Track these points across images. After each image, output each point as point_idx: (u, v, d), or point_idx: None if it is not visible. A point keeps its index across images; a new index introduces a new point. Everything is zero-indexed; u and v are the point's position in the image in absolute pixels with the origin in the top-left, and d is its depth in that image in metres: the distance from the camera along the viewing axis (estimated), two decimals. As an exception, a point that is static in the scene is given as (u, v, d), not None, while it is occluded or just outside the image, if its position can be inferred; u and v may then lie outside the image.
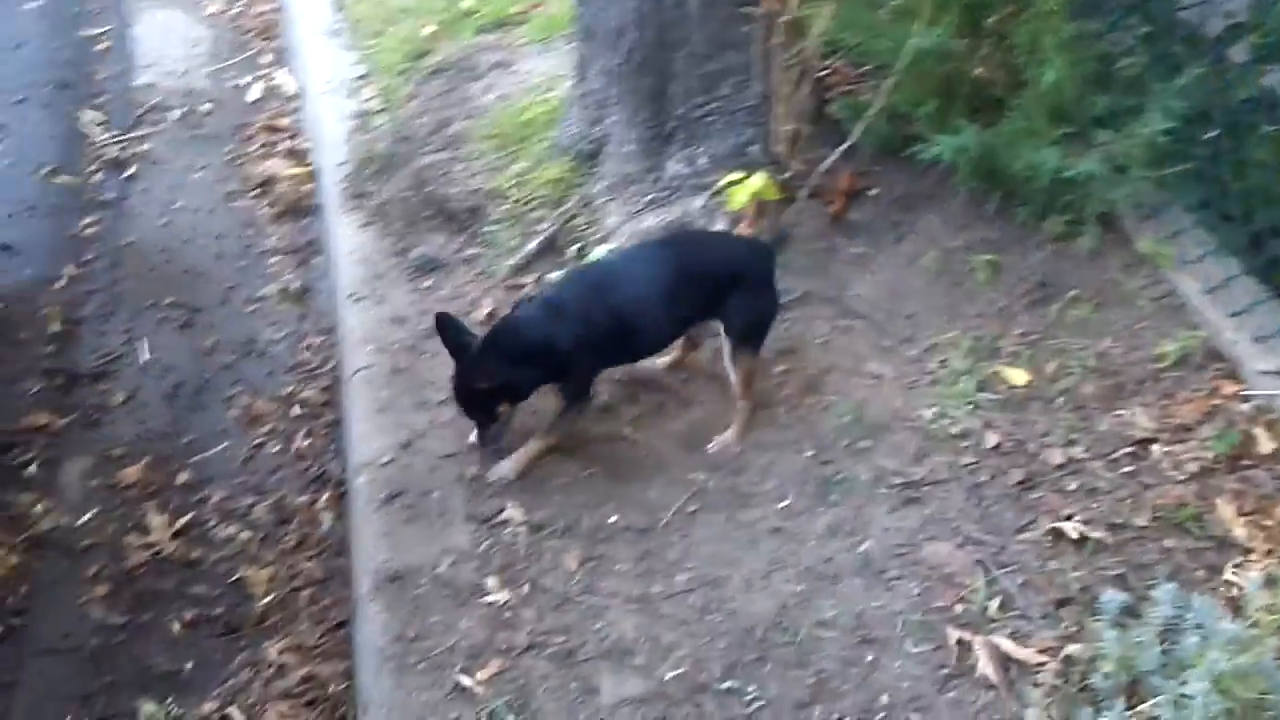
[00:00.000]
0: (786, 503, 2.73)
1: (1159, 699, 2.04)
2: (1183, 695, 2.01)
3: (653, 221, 3.48)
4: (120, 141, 4.43)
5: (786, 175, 3.45)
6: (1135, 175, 3.17)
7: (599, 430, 2.94)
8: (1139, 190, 3.21)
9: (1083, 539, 2.55)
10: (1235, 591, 2.31)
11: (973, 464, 2.76)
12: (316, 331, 3.56)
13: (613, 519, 2.72)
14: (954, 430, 2.84)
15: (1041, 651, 2.35)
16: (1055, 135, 3.22)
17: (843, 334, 3.16)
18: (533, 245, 3.49)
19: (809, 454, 2.83)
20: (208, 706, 2.59)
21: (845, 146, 3.36)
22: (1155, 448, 2.73)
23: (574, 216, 3.59)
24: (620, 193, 3.59)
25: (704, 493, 2.76)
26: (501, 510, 2.74)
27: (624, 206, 3.55)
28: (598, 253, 3.42)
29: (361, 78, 4.49)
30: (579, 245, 3.48)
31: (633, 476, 2.82)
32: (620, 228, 3.49)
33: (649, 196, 3.56)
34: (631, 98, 3.56)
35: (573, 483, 2.81)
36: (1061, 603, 2.44)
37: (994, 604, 2.45)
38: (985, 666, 2.33)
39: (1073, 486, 2.68)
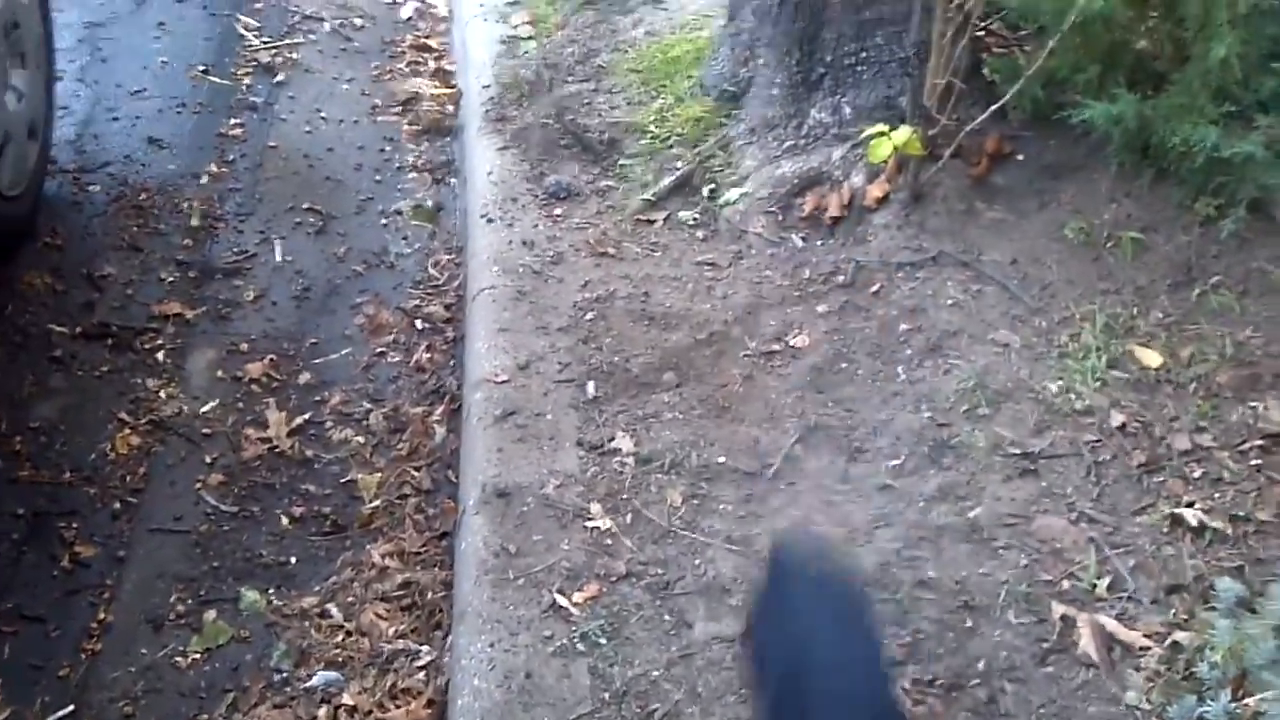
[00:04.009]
0: (898, 461, 2.70)
1: (1268, 694, 1.98)
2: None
3: (789, 168, 3.45)
4: (273, 48, 4.53)
5: (932, 132, 3.37)
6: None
7: (714, 368, 2.94)
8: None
9: (1202, 528, 2.47)
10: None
11: (1095, 441, 2.68)
12: (446, 250, 3.62)
13: (720, 459, 2.72)
14: (1078, 405, 2.76)
15: (1148, 635, 2.28)
16: (1217, 114, 3.08)
17: (973, 298, 3.09)
18: (666, 181, 3.49)
19: (926, 415, 2.79)
20: (308, 601, 2.67)
21: (996, 107, 3.26)
22: (1291, 444, 2.63)
23: (710, 156, 3.57)
24: (760, 137, 3.56)
25: (815, 442, 2.75)
26: (611, 439, 2.77)
27: (762, 151, 3.52)
28: (731, 195, 3.40)
29: (513, 3, 4.51)
30: (713, 186, 3.46)
31: (744, 419, 2.82)
32: (757, 171, 3.47)
33: (789, 143, 3.52)
34: (782, 40, 3.51)
35: (684, 420, 2.82)
36: (1173, 589, 2.37)
37: (1103, 583, 2.39)
38: (1087, 644, 2.28)
39: (1197, 474, 2.59)
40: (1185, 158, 3.13)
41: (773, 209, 3.39)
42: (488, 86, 4.00)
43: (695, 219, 3.41)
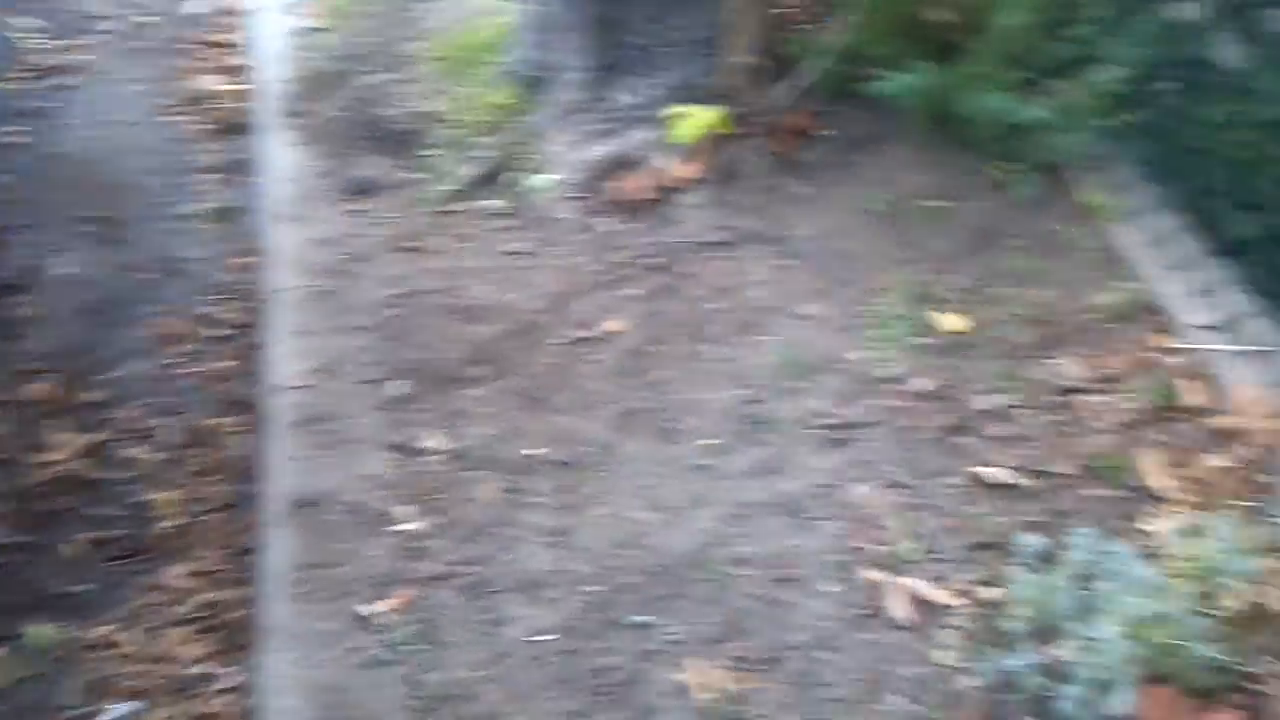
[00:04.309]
0: (712, 440, 2.68)
1: (1072, 644, 2.02)
2: (1094, 639, 1.98)
3: (597, 152, 3.40)
4: (57, 50, 4.27)
5: (739, 111, 3.37)
6: (1084, 125, 3.12)
7: (526, 358, 2.88)
8: (1085, 140, 3.17)
9: (1005, 485, 2.52)
10: (1153, 540, 2.29)
11: (901, 408, 2.72)
12: (242, 252, 3.45)
13: (535, 451, 2.67)
14: (885, 374, 2.80)
15: (955, 594, 2.32)
16: (1010, 81, 3.17)
17: (782, 274, 3.10)
18: (472, 171, 3.40)
19: (738, 392, 2.79)
20: (103, 630, 2.51)
21: (799, 84, 3.29)
22: (1083, 397, 2.70)
23: (516, 143, 3.49)
24: (565, 121, 3.50)
25: (630, 427, 2.71)
26: (419, 439, 2.68)
27: (567, 136, 3.46)
28: (538, 181, 3.34)
29: (309, -6, 4.35)
30: (520, 173, 3.40)
31: (558, 408, 2.76)
32: (563, 156, 3.41)
33: (595, 126, 3.47)
34: (583, 23, 3.45)
35: (497, 414, 2.75)
36: (979, 547, 2.41)
37: (911, 546, 2.42)
38: (897, 608, 2.30)
39: (998, 433, 2.65)
40: (980, 125, 3.21)
41: (581, 194, 3.34)
42: (282, 81, 3.84)
43: (503, 208, 3.33)
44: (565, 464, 2.64)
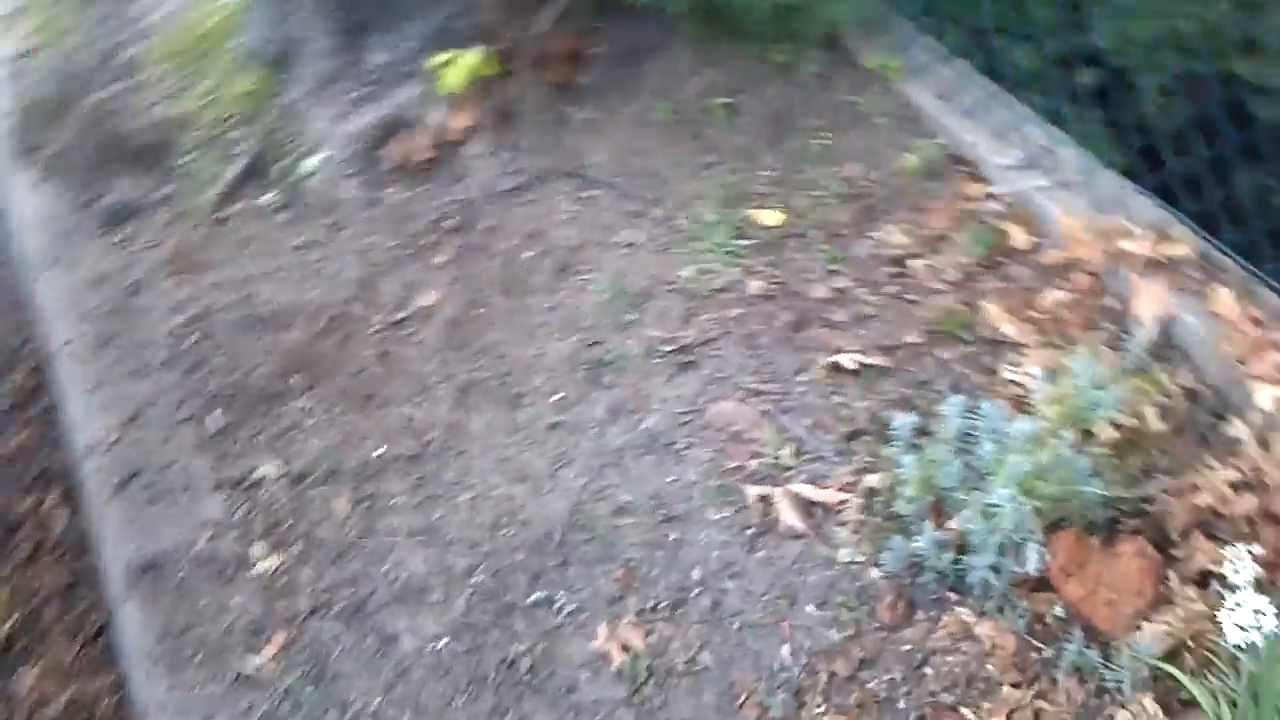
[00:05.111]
0: (560, 394, 2.56)
1: (965, 513, 2.00)
2: (989, 504, 1.97)
3: (364, 120, 3.19)
4: None
5: (502, 47, 3.20)
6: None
7: (344, 356, 2.69)
8: (858, 5, 3.12)
9: (861, 368, 2.49)
10: (1018, 390, 2.29)
11: (741, 315, 2.65)
12: (8, 309, 3.14)
13: (378, 451, 2.50)
14: (716, 284, 2.72)
15: (842, 489, 2.28)
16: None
17: (588, 206, 2.98)
18: (235, 170, 3.15)
19: (574, 338, 2.67)
20: (-42, 758, 2.27)
21: (558, 5, 3.14)
22: (914, 262, 2.68)
23: (275, 130, 3.25)
24: (322, 95, 3.27)
25: (472, 402, 2.57)
26: (254, 469, 2.48)
27: (328, 109, 3.24)
28: (309, 165, 3.11)
29: (15, 13, 3.94)
30: (287, 160, 3.16)
31: (391, 400, 2.60)
32: (329, 132, 3.18)
33: (354, 94, 3.25)
34: (316, -15, 3.21)
35: (328, 422, 2.57)
36: (852, 436, 2.37)
37: (786, 452, 2.36)
38: (789, 517, 2.25)
39: (842, 317, 2.60)
40: (752, 11, 3.12)
41: (358, 168, 3.13)
42: (7, 115, 3.48)
43: (278, 201, 3.10)
44: (414, 457, 2.49)
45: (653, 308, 2.71)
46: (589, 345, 2.66)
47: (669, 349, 2.61)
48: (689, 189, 2.96)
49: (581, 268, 2.84)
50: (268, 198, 3.09)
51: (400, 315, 2.78)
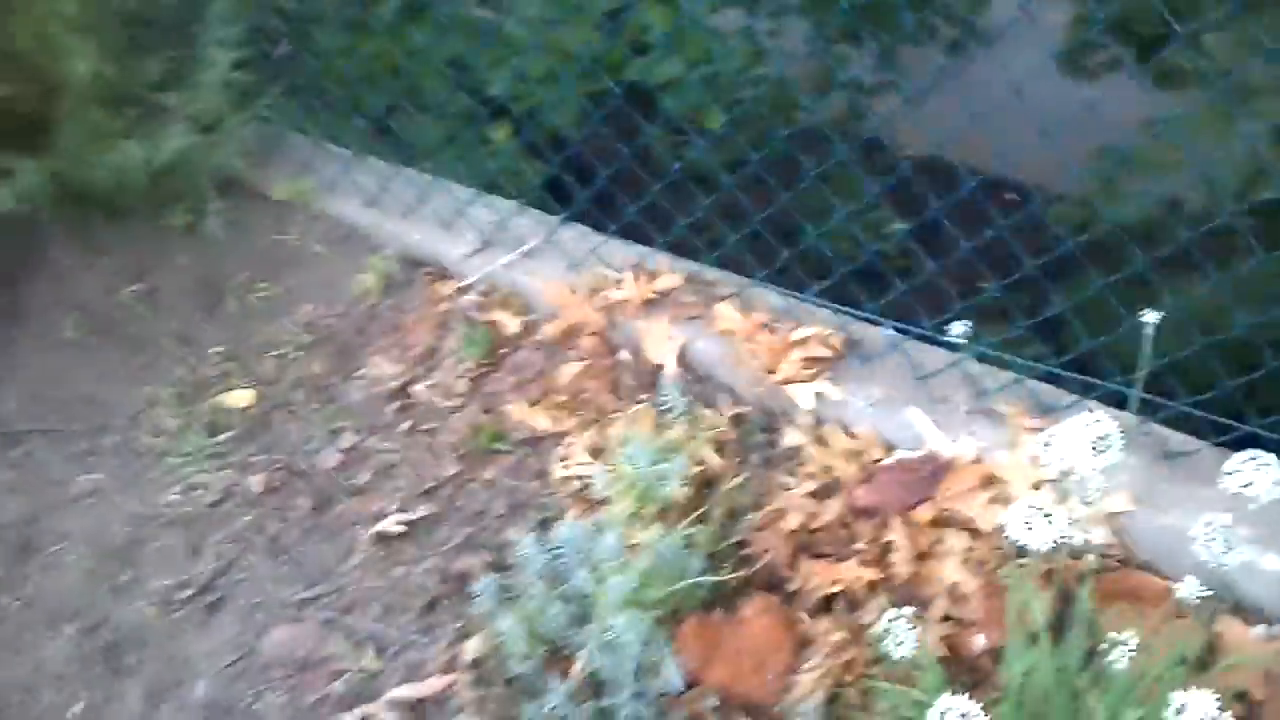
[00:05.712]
0: (81, 704, 2.05)
1: (585, 653, 1.78)
2: (607, 633, 1.75)
3: None
4: None
5: None
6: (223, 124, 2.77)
7: None
8: (237, 142, 2.80)
9: (408, 526, 2.19)
10: (578, 484, 2.10)
11: (252, 521, 2.26)
12: None
13: None
14: (211, 498, 2.31)
15: (443, 672, 1.98)
16: (121, 127, 2.69)
17: (23, 467, 2.46)
18: None
19: (71, 629, 2.16)
20: None
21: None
22: (416, 388, 2.42)
23: None
24: None
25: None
26: None
27: None
28: None
29: None
30: None
31: None
32: None
33: None
34: None
35: None
36: (431, 606, 2.07)
37: (369, 657, 2.02)
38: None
39: (365, 478, 2.30)
40: (124, 189, 2.71)
41: None
42: None
43: None
44: None
45: (148, 555, 2.26)
46: (91, 630, 2.16)
47: (187, 594, 2.18)
48: (135, 402, 2.51)
49: (45, 542, 2.32)
50: None
51: None
